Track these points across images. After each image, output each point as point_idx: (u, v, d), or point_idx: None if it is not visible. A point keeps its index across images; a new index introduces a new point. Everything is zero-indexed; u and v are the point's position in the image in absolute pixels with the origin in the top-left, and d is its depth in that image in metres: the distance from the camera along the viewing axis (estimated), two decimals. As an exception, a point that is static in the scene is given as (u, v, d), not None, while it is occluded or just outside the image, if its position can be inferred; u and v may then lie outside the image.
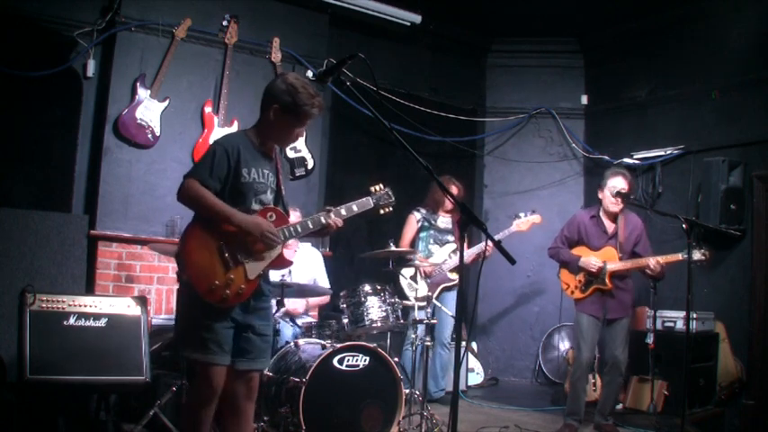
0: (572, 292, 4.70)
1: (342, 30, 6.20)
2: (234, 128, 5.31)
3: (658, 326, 5.39)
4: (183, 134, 5.25)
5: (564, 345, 6.56)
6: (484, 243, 5.23)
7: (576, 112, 7.18)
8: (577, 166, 7.11)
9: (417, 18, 6.30)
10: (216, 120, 5.28)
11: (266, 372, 3.93)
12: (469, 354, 6.36)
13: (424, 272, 5.24)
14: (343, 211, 3.08)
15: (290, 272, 4.74)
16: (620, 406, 5.39)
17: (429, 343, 4.34)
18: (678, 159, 6.16)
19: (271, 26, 5.66)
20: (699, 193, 5.79)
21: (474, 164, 7.34)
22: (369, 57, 2.55)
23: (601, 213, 4.69)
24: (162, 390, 3.85)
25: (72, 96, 5.01)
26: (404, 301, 4.75)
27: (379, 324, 4.22)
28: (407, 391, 4.14)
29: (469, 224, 2.44)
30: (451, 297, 5.40)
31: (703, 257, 4.15)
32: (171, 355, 4.17)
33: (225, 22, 5.39)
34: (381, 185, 3.18)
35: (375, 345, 3.98)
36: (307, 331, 4.41)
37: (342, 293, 4.34)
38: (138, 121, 4.99)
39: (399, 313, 4.37)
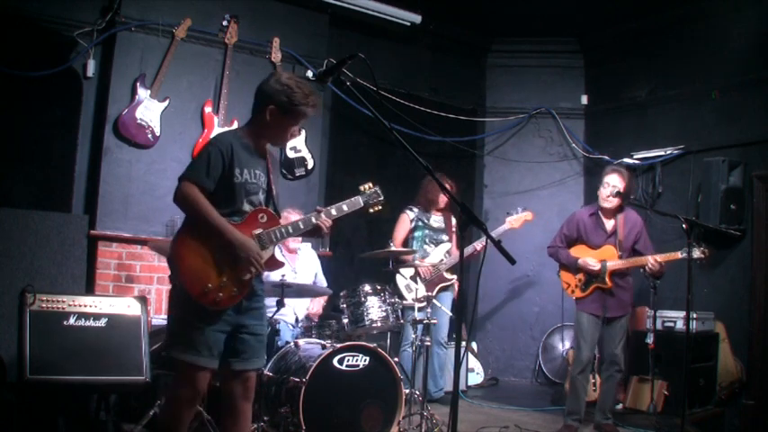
0: (572, 291, 4.70)
1: (342, 30, 6.20)
2: (234, 128, 5.30)
3: (658, 326, 5.39)
4: (183, 134, 5.25)
5: (564, 345, 6.56)
6: (479, 242, 5.23)
7: (576, 112, 7.18)
8: (577, 166, 7.11)
9: (417, 18, 6.30)
10: (216, 120, 5.28)
11: (266, 372, 3.93)
12: (469, 354, 6.36)
13: (422, 272, 5.23)
14: (333, 211, 3.08)
15: (295, 273, 4.76)
16: (620, 406, 5.40)
17: (429, 343, 4.34)
18: (678, 159, 6.16)
19: (271, 26, 5.66)
20: (699, 193, 5.79)
21: (474, 164, 7.34)
22: (369, 57, 2.55)
23: (600, 211, 4.70)
24: (162, 390, 3.85)
25: (72, 96, 5.01)
26: (404, 302, 4.75)
27: (379, 324, 4.22)
28: (407, 391, 4.14)
29: (469, 224, 2.44)
30: (447, 297, 5.40)
31: (702, 255, 4.15)
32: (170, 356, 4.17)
33: (225, 22, 5.39)
34: (370, 184, 3.19)
35: (375, 345, 3.98)
36: (307, 331, 4.42)
37: (342, 293, 4.34)
38: (138, 121, 4.99)
39: (399, 313, 4.37)
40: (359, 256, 5.55)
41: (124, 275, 4.98)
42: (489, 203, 7.27)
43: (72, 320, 3.70)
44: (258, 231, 2.86)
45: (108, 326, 3.77)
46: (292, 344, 4.12)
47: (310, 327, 4.44)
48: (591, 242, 4.67)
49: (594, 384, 5.29)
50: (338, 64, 2.65)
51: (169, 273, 2.84)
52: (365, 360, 3.90)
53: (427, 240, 5.43)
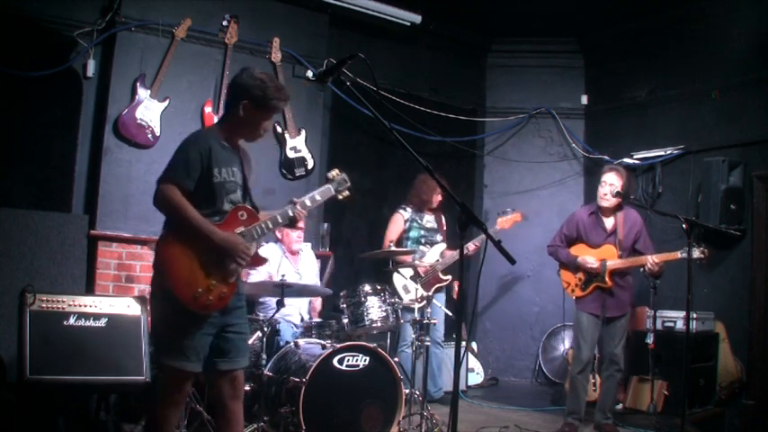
0: (572, 291, 4.71)
1: (342, 30, 6.20)
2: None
3: (658, 326, 5.39)
4: (182, 134, 5.15)
5: (564, 345, 6.56)
6: (472, 243, 5.23)
7: (576, 112, 7.18)
8: (577, 166, 7.11)
9: (417, 18, 6.30)
10: (216, 120, 5.27)
11: (266, 372, 3.93)
12: (469, 354, 6.36)
13: (420, 272, 5.23)
14: (307, 202, 3.07)
15: (299, 275, 4.76)
16: (620, 406, 5.39)
17: (428, 342, 4.34)
18: (678, 159, 6.16)
19: (271, 26, 5.66)
20: (699, 193, 5.79)
21: (474, 164, 7.34)
22: (369, 57, 2.55)
23: (599, 210, 4.70)
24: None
25: (72, 96, 5.01)
26: (401, 302, 4.75)
27: (379, 324, 4.23)
28: (407, 391, 4.14)
29: (469, 224, 2.43)
30: (441, 298, 5.41)
31: (702, 255, 4.15)
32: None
33: (225, 22, 5.39)
34: (337, 171, 3.20)
35: (375, 345, 3.98)
36: (307, 331, 4.42)
37: (342, 293, 4.34)
38: (138, 121, 4.99)
39: (399, 313, 4.37)
40: (359, 256, 5.55)
41: (124, 275, 4.97)
42: (489, 203, 7.26)
43: (72, 320, 3.70)
44: (240, 229, 2.86)
45: (108, 326, 3.76)
46: (292, 344, 4.12)
47: (310, 327, 4.44)
48: (591, 241, 4.67)
49: (594, 384, 5.29)
50: (338, 64, 2.65)
51: (152, 278, 2.82)
52: (365, 360, 3.90)
53: (423, 241, 5.42)
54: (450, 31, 6.99)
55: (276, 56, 5.60)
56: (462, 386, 5.96)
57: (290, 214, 3.00)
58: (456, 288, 5.53)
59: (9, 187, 4.73)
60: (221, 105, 5.30)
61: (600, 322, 4.60)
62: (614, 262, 4.53)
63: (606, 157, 6.58)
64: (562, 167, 7.14)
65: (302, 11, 5.88)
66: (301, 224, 4.81)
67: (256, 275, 4.68)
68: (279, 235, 4.87)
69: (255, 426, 3.76)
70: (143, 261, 5.02)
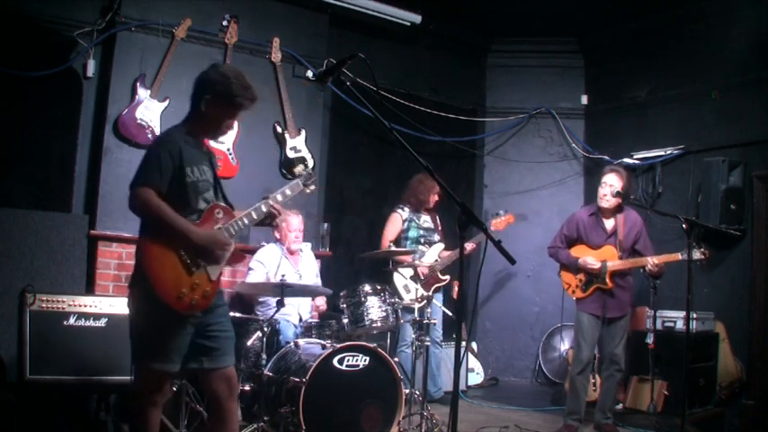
0: (573, 292, 4.70)
1: (342, 30, 6.20)
2: (234, 128, 5.30)
3: (658, 326, 5.39)
4: (183, 134, 5.24)
5: (564, 345, 6.56)
6: (468, 243, 5.23)
7: (576, 112, 7.18)
8: (577, 166, 7.11)
9: (417, 18, 6.29)
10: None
11: (266, 372, 3.93)
12: (469, 354, 6.36)
13: (420, 272, 5.24)
14: (278, 197, 3.05)
15: (299, 275, 4.76)
16: (620, 406, 5.39)
17: (428, 342, 4.34)
18: (678, 159, 6.16)
19: (271, 26, 5.66)
20: (699, 193, 5.79)
21: (474, 164, 7.34)
22: (369, 57, 2.55)
23: (599, 211, 4.70)
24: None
25: (72, 96, 5.01)
26: (401, 302, 4.75)
27: (379, 324, 4.23)
28: (407, 391, 4.14)
29: (469, 224, 2.43)
30: (439, 298, 5.41)
31: (703, 256, 4.16)
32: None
33: (225, 22, 5.39)
34: (303, 167, 3.20)
35: (375, 345, 3.98)
36: (307, 331, 4.42)
37: (342, 293, 4.34)
38: (139, 121, 4.99)
39: (399, 313, 4.38)
40: (359, 256, 5.55)
41: (124, 275, 4.97)
42: (489, 203, 7.26)
43: (72, 320, 3.71)
44: (217, 227, 2.86)
45: (108, 326, 3.77)
46: (292, 344, 4.13)
47: (310, 327, 4.44)
48: (591, 242, 4.66)
49: (594, 384, 5.29)
50: (338, 64, 2.64)
51: (131, 281, 2.79)
52: (365, 360, 3.91)
53: (422, 241, 5.42)
54: (451, 31, 6.99)
55: (276, 56, 5.60)
56: (462, 386, 5.96)
57: (264, 209, 2.99)
58: (456, 288, 5.53)
59: (9, 187, 4.73)
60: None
61: (600, 323, 4.60)
62: (615, 263, 4.53)
63: (606, 157, 6.58)
64: (562, 167, 7.14)
65: (302, 11, 5.87)
66: (297, 224, 4.81)
67: (256, 275, 4.68)
68: (278, 235, 4.87)
69: (255, 426, 3.76)
70: (143, 261, 5.01)
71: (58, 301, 3.70)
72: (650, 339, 5.19)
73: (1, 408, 3.44)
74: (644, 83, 6.59)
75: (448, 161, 6.96)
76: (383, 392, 3.94)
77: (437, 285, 5.30)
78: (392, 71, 6.60)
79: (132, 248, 4.97)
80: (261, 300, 4.73)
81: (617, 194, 4.55)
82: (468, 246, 5.20)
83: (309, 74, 5.77)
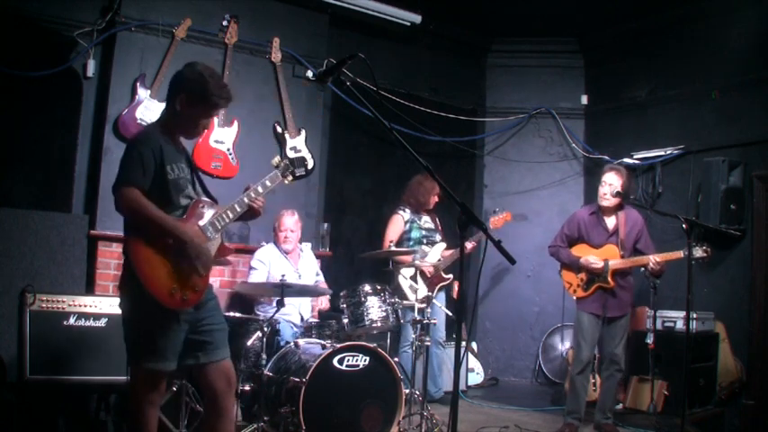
0: (574, 291, 4.70)
1: (342, 30, 6.20)
2: (234, 128, 5.31)
3: (658, 326, 5.39)
4: (182, 134, 5.24)
5: (564, 345, 6.56)
6: (469, 242, 5.24)
7: (576, 112, 7.18)
8: (577, 166, 7.11)
9: (417, 18, 6.29)
10: (216, 120, 5.27)
11: (266, 372, 3.93)
12: (469, 354, 6.36)
13: (426, 272, 5.24)
14: (259, 188, 3.04)
15: (299, 275, 4.76)
16: (620, 406, 5.39)
17: (428, 343, 4.34)
18: (678, 159, 6.16)
19: (271, 26, 5.66)
20: (699, 193, 5.79)
21: (474, 164, 7.34)
22: (369, 57, 2.55)
23: (600, 210, 4.70)
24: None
25: (72, 96, 5.01)
26: (405, 302, 4.74)
27: (379, 324, 4.23)
28: (407, 391, 4.14)
29: (469, 224, 2.43)
30: (442, 297, 5.42)
31: (705, 254, 4.16)
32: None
33: (225, 22, 5.39)
34: (279, 158, 3.20)
35: (375, 345, 3.98)
36: (307, 331, 4.42)
37: (342, 293, 4.34)
38: (139, 121, 4.98)
39: (399, 313, 4.37)
40: (359, 256, 5.55)
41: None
42: (489, 203, 7.26)
43: (72, 320, 3.71)
44: (203, 222, 2.86)
45: (108, 326, 3.77)
46: (292, 344, 4.12)
47: (310, 327, 4.44)
48: (592, 241, 4.66)
49: (594, 384, 5.29)
50: (338, 64, 2.64)
51: (121, 282, 2.79)
52: (365, 360, 3.90)
53: (425, 241, 5.43)
54: (451, 31, 6.99)
55: (276, 56, 5.60)
56: (462, 386, 5.96)
57: (246, 201, 2.99)
58: (456, 288, 5.53)
59: (9, 187, 4.73)
60: (221, 105, 5.29)
61: (601, 322, 4.60)
62: (617, 262, 4.52)
63: (606, 157, 6.58)
64: (562, 167, 7.14)
65: (302, 11, 5.87)
66: (290, 223, 4.79)
67: (258, 275, 4.69)
68: (274, 235, 4.87)
69: (255, 426, 3.76)
70: (143, 261, 5.01)
71: (57, 301, 3.70)
72: (650, 339, 5.19)
73: (1, 408, 3.43)
74: (644, 83, 6.59)
75: (448, 161, 6.96)
76: (383, 392, 3.94)
77: (441, 284, 5.31)
78: (392, 71, 6.60)
79: (132, 248, 4.99)
80: (261, 300, 4.73)
81: (617, 194, 4.55)
82: (469, 245, 5.21)
83: (309, 74, 5.77)
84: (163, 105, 5.07)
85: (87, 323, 3.74)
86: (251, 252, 5.01)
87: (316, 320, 4.75)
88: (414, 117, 6.37)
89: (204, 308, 2.86)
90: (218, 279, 5.20)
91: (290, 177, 3.20)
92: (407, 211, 5.46)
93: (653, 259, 4.41)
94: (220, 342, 2.89)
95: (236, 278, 5.28)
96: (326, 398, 3.75)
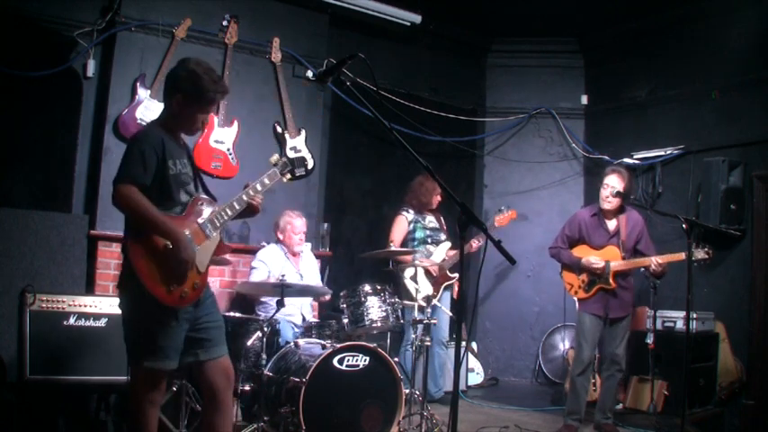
0: (575, 292, 4.70)
1: (342, 30, 6.20)
2: (234, 128, 5.31)
3: (658, 326, 5.39)
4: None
5: (564, 345, 6.56)
6: (474, 240, 5.27)
7: (576, 112, 7.18)
8: (577, 166, 7.11)
9: (417, 18, 6.29)
10: (216, 120, 5.28)
11: (266, 372, 3.93)
12: (469, 354, 6.36)
13: (432, 271, 5.25)
14: (258, 186, 3.06)
15: (300, 276, 4.76)
16: (620, 406, 5.39)
17: (428, 343, 4.34)
18: (678, 159, 6.16)
19: (271, 26, 5.66)
20: (699, 193, 5.79)
21: (474, 164, 7.34)
22: (369, 57, 2.55)
23: (601, 212, 4.69)
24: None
25: (72, 96, 5.01)
26: (408, 302, 4.74)
27: (379, 324, 4.23)
28: (407, 391, 4.14)
29: (469, 224, 2.43)
30: (447, 296, 5.43)
31: (707, 256, 4.16)
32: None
33: (225, 22, 5.39)
34: (277, 156, 3.23)
35: (375, 345, 3.98)
36: (307, 331, 4.42)
37: (342, 293, 4.34)
38: (139, 121, 4.98)
39: (399, 313, 4.37)
40: (359, 256, 5.55)
41: (121, 276, 4.96)
42: (489, 203, 7.26)
43: (72, 320, 3.71)
44: (202, 220, 2.87)
45: (108, 326, 3.77)
46: (292, 344, 4.12)
47: (310, 327, 4.44)
48: (593, 243, 4.66)
49: (594, 384, 5.29)
50: (338, 64, 2.64)
51: (120, 281, 2.79)
52: (365, 360, 3.90)
53: (429, 240, 5.44)
54: (451, 31, 6.99)
55: (276, 56, 5.60)
56: (462, 386, 5.96)
57: (245, 198, 3.00)
58: (456, 288, 5.54)
59: (9, 187, 4.73)
60: (221, 105, 5.30)
61: (602, 323, 4.60)
62: (618, 263, 4.52)
63: (606, 157, 6.58)
64: (562, 167, 7.14)
65: (302, 11, 5.87)
66: (301, 225, 4.81)
67: (259, 274, 4.69)
68: (281, 236, 4.87)
69: (255, 426, 3.76)
70: (143, 261, 5.01)
71: (57, 301, 3.70)
72: (650, 339, 5.19)
73: (1, 408, 3.43)
74: (644, 83, 6.59)
75: (448, 161, 6.96)
76: (383, 392, 3.94)
77: (447, 283, 5.32)
78: (392, 71, 6.59)
79: (132, 248, 4.99)
80: (262, 300, 4.73)
81: (617, 194, 4.54)
82: (475, 243, 5.23)
83: (309, 74, 5.77)
84: (162, 105, 5.14)
85: (87, 323, 3.74)
86: (251, 252, 5.01)
87: (316, 321, 4.75)
88: (414, 117, 6.37)
89: (202, 306, 2.87)
90: (218, 279, 5.20)
91: (289, 176, 3.22)
92: (411, 211, 5.48)
93: (655, 261, 4.41)
94: (218, 339, 2.91)
95: (237, 278, 5.28)
96: (326, 398, 3.75)
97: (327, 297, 4.89)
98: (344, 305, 4.28)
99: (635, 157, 6.41)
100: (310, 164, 5.71)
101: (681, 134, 6.17)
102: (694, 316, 5.12)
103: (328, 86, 5.96)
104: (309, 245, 5.25)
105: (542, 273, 6.76)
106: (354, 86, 2.90)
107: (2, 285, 4.28)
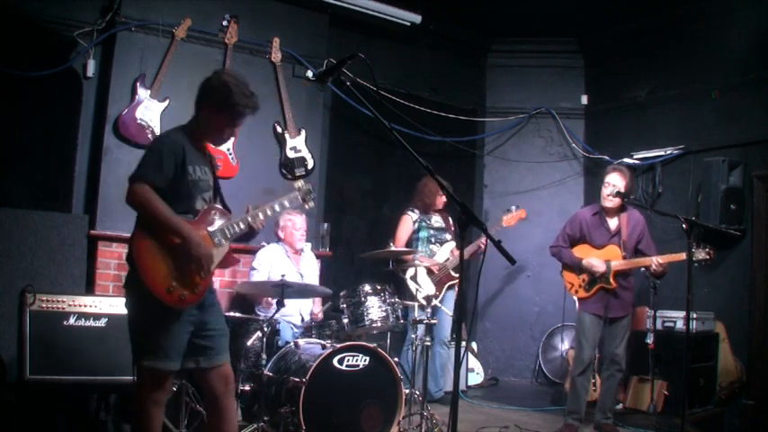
0: (576, 292, 4.70)
1: (342, 30, 6.20)
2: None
3: (658, 326, 5.39)
4: (183, 134, 5.24)
5: (564, 345, 6.56)
6: (480, 239, 5.27)
7: (576, 112, 7.18)
8: (577, 166, 7.11)
9: (417, 18, 6.29)
10: (216, 120, 5.27)
11: (266, 372, 3.93)
12: (469, 354, 6.36)
13: (434, 270, 5.25)
14: (276, 207, 3.10)
15: (301, 275, 4.76)
16: (620, 406, 5.39)
17: (429, 343, 4.34)
18: (678, 159, 6.16)
19: (271, 26, 5.66)
20: (699, 193, 5.79)
21: (474, 164, 7.34)
22: (369, 57, 2.55)
23: (602, 211, 4.69)
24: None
25: (72, 96, 5.01)
26: (409, 302, 4.74)
27: (379, 324, 4.23)
28: (407, 391, 4.14)
29: (470, 224, 2.44)
30: (451, 296, 5.42)
31: (708, 256, 4.16)
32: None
33: (225, 22, 5.38)
34: (302, 182, 3.24)
35: (375, 345, 3.98)
36: (307, 331, 4.42)
37: (342, 293, 4.34)
38: (139, 121, 4.99)
39: (399, 313, 4.37)
40: (359, 256, 5.55)
41: (124, 275, 4.93)
42: (489, 203, 7.27)
43: (72, 320, 3.71)
44: (213, 228, 2.88)
45: (108, 326, 3.77)
46: (292, 344, 4.13)
47: (310, 327, 4.44)
48: (594, 242, 4.66)
49: (594, 384, 5.28)
50: (338, 64, 2.65)
51: (126, 278, 2.82)
52: (365, 360, 3.91)
53: (432, 240, 5.46)
54: (451, 31, 6.99)
55: (276, 56, 5.60)
56: (462, 386, 5.96)
57: (261, 217, 3.03)
58: (456, 288, 5.53)
59: (9, 187, 4.73)
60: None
61: (602, 323, 4.60)
62: (619, 263, 4.52)
63: (606, 157, 6.58)
64: (562, 167, 7.13)
65: (302, 11, 5.87)
66: (301, 222, 4.81)
67: (260, 275, 4.68)
68: (281, 234, 4.87)
69: (255, 426, 3.76)
70: (143, 261, 5.01)
71: (58, 301, 3.70)
72: (650, 339, 5.19)
73: (1, 408, 3.44)
74: (644, 83, 6.59)
75: (448, 161, 6.96)
76: (383, 392, 3.94)
77: (450, 283, 5.33)
78: (392, 71, 6.59)
79: (132, 248, 4.98)
80: (262, 299, 4.72)
81: (617, 194, 4.54)
82: (485, 241, 5.23)
83: (309, 74, 5.77)
84: (163, 105, 5.17)
85: (87, 323, 3.74)
86: (252, 252, 5.00)
87: (316, 321, 4.74)
88: (414, 117, 6.37)
89: (208, 312, 2.89)
90: (218, 279, 5.20)
91: (311, 204, 3.23)
92: (416, 211, 5.50)
93: (656, 261, 4.41)
94: (221, 347, 2.92)
95: (237, 278, 5.28)
96: (326, 398, 3.75)
97: (320, 315, 4.88)
98: (344, 305, 4.28)
99: (635, 157, 6.41)
100: (310, 164, 5.71)
101: (681, 134, 6.17)
102: (694, 316, 5.12)
103: (328, 86, 5.96)
104: (310, 245, 5.25)
105: (542, 273, 6.76)
106: (354, 86, 2.91)
107: (2, 285, 4.29)
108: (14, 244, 4.45)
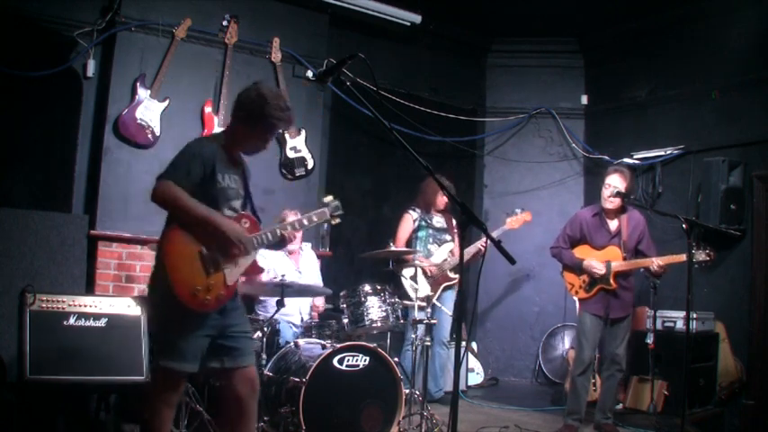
0: (576, 292, 4.70)
1: (342, 30, 6.20)
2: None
3: (658, 326, 5.39)
4: (182, 134, 5.17)
5: (564, 345, 6.56)
6: (480, 241, 5.28)
7: (576, 112, 7.18)
8: (577, 166, 7.11)
9: (417, 18, 6.30)
10: (216, 120, 5.28)
11: (266, 372, 3.94)
12: (469, 354, 6.36)
13: (428, 271, 5.25)
14: (305, 221, 3.15)
15: (300, 274, 4.76)
16: (620, 406, 5.39)
17: (429, 343, 4.34)
18: (678, 159, 6.16)
19: (271, 26, 5.66)
20: (699, 193, 5.79)
21: (474, 164, 7.34)
22: (369, 57, 2.55)
23: (603, 212, 4.69)
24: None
25: (72, 96, 5.01)
26: (407, 302, 4.74)
27: (379, 324, 4.22)
28: (407, 391, 4.14)
29: (470, 224, 2.44)
30: (451, 296, 5.41)
31: (708, 258, 4.16)
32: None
33: (225, 22, 5.39)
34: (332, 197, 3.26)
35: (375, 345, 3.98)
36: (307, 331, 4.42)
37: (342, 293, 4.34)
38: (138, 121, 4.99)
39: (399, 313, 4.37)
40: (359, 256, 5.55)
41: (124, 275, 4.97)
42: (489, 203, 7.27)
43: (72, 320, 3.70)
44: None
45: (108, 326, 3.76)
46: (292, 344, 4.13)
47: (310, 327, 4.44)
48: (594, 243, 4.66)
49: (595, 384, 5.28)
50: (338, 64, 2.65)
51: (152, 277, 2.83)
52: (365, 360, 3.91)
53: (431, 240, 5.45)
54: (451, 31, 6.99)
55: (276, 56, 5.60)
56: (462, 386, 5.96)
57: (290, 229, 3.07)
58: (456, 288, 5.53)
59: (9, 187, 4.73)
60: (221, 105, 5.30)
61: (603, 323, 4.59)
62: (619, 264, 4.52)
63: (606, 157, 6.58)
64: (562, 167, 7.13)
65: (302, 11, 5.87)
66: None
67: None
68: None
69: (255, 426, 3.75)
70: (143, 261, 5.02)
71: (58, 301, 3.70)
72: (650, 339, 5.19)
73: (1, 408, 3.44)
74: (644, 83, 6.59)
75: (448, 161, 6.96)
76: (383, 392, 3.94)
77: (447, 284, 5.32)
78: (392, 71, 6.59)
79: (132, 249, 5.01)
80: (261, 299, 4.73)
81: (617, 194, 4.54)
82: (482, 246, 5.24)
83: (309, 74, 5.77)
84: (163, 105, 5.18)
85: (87, 323, 3.73)
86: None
87: (316, 321, 4.75)
88: (414, 117, 6.37)
89: (231, 315, 2.90)
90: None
91: (338, 220, 3.24)
92: (417, 210, 5.50)
93: (656, 262, 4.41)
94: (246, 349, 2.94)
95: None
96: (326, 398, 3.75)
97: (321, 307, 4.89)
98: (344, 305, 4.28)
99: (635, 157, 6.40)
100: (310, 164, 5.71)
101: (681, 134, 6.16)
102: (694, 316, 5.12)
103: (328, 86, 5.96)
104: (310, 244, 5.25)
105: (542, 273, 6.75)
106: (354, 86, 2.91)
107: (2, 285, 4.29)
108: (14, 244, 4.45)
